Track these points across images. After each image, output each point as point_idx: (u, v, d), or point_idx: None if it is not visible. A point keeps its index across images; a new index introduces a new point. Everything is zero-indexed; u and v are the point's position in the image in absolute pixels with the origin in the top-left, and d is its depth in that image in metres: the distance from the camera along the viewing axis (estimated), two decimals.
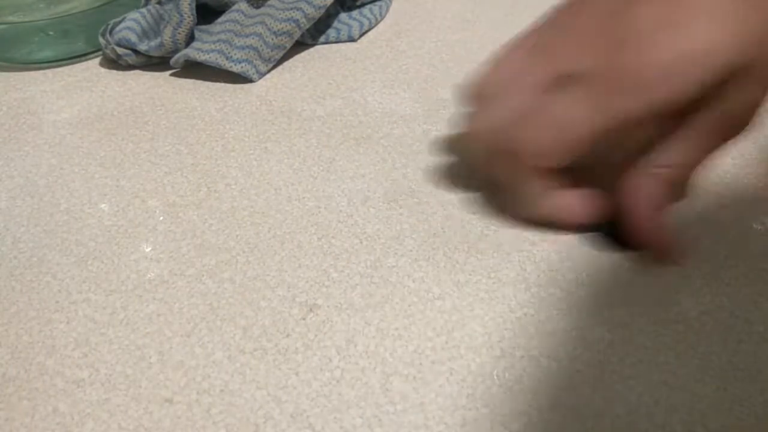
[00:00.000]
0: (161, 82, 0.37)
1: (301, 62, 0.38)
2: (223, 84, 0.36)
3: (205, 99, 0.35)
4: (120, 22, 0.38)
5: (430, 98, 0.34)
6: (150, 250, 0.26)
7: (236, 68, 0.35)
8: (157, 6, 0.39)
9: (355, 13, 0.41)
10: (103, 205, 0.28)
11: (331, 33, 0.40)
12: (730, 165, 0.29)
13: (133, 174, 0.30)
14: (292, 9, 0.37)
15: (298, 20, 0.37)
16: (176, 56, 0.36)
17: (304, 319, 0.23)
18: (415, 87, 0.35)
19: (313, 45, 0.40)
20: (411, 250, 0.26)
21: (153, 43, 0.37)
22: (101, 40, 0.37)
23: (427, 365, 0.22)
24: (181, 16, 0.36)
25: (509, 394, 0.21)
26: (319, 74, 0.37)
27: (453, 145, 0.31)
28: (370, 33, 0.41)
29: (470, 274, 0.25)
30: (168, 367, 0.22)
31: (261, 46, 0.36)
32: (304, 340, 0.22)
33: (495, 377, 0.21)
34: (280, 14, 0.37)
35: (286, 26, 0.36)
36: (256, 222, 0.27)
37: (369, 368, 0.22)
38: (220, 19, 0.38)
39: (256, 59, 0.36)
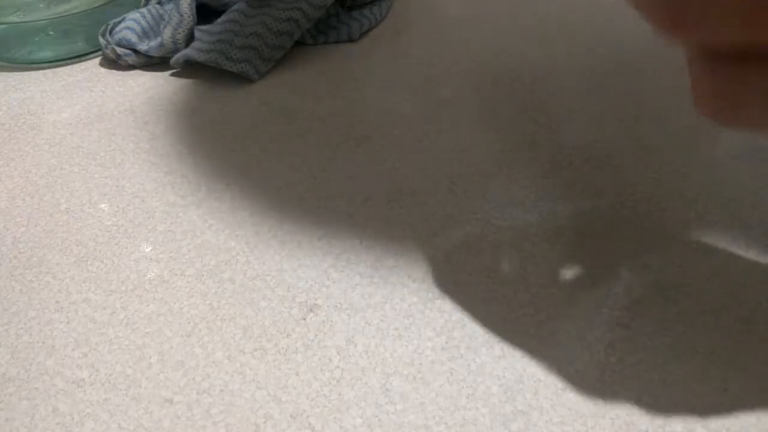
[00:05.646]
0: (161, 82, 0.37)
1: (301, 62, 0.38)
2: (223, 84, 0.36)
3: (205, 99, 0.35)
4: (120, 22, 0.38)
5: (430, 98, 0.34)
6: (150, 250, 0.26)
7: (236, 68, 0.35)
8: (157, 6, 0.39)
9: (355, 13, 0.41)
10: (103, 205, 0.28)
11: (331, 33, 0.40)
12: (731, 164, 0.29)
13: (133, 174, 0.30)
14: (292, 9, 0.37)
15: (298, 20, 0.37)
16: (176, 56, 0.36)
17: (304, 319, 0.23)
18: (415, 87, 0.35)
19: (313, 45, 0.40)
20: (411, 250, 0.26)
21: (153, 43, 0.37)
22: (101, 40, 0.38)
23: (427, 365, 0.22)
24: (181, 16, 0.36)
25: (509, 394, 0.21)
26: (319, 74, 0.37)
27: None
28: (370, 33, 0.41)
29: (470, 274, 0.25)
30: (168, 367, 0.22)
31: (261, 46, 0.36)
32: (304, 340, 0.22)
33: (494, 377, 0.21)
34: (280, 14, 0.37)
35: (286, 26, 0.36)
36: (256, 222, 0.27)
37: (369, 368, 0.22)
38: (220, 19, 0.38)
39: (256, 59, 0.36)
